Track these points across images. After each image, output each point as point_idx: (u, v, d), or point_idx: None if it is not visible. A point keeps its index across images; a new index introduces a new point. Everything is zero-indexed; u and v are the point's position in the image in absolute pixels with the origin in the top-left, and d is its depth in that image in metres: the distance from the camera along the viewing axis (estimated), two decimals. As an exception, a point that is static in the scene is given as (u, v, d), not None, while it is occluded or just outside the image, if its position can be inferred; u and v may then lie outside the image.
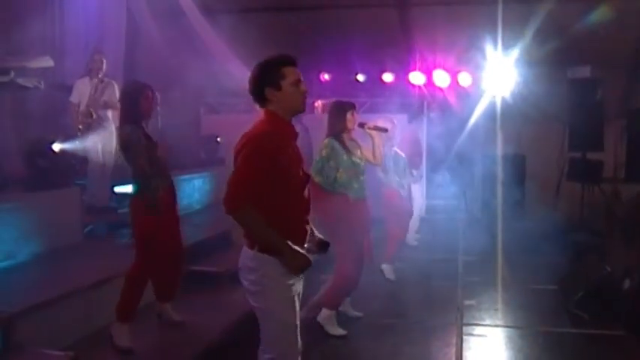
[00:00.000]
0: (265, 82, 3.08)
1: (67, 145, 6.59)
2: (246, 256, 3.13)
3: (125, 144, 4.64)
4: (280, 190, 3.07)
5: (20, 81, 6.19)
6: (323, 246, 3.33)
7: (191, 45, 10.27)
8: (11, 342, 4.01)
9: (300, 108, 3.18)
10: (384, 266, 6.91)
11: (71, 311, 4.59)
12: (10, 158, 6.55)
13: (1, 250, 5.21)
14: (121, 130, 4.76)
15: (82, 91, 7.10)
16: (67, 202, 6.11)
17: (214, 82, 9.63)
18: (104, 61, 7.13)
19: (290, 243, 3.03)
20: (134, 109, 4.67)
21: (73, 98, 7.10)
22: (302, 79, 3.13)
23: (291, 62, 3.12)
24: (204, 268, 6.19)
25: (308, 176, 3.32)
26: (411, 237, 8.47)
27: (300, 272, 3.10)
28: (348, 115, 5.26)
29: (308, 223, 3.27)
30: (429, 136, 10.40)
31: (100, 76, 7.09)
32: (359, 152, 5.37)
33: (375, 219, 6.57)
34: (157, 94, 8.71)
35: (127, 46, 9.03)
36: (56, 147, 6.40)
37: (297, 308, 3.17)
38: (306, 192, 3.26)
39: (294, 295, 3.15)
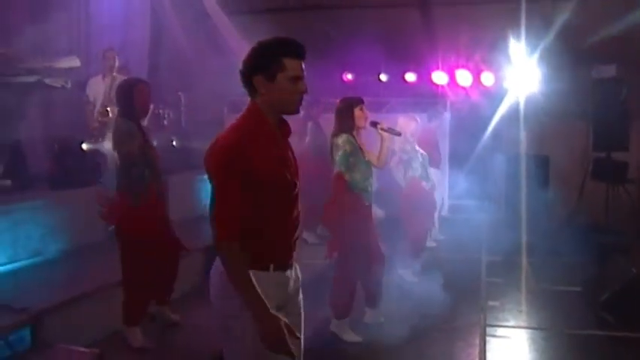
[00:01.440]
0: (257, 67, 2.55)
1: (94, 144, 6.68)
2: (215, 269, 2.63)
3: (116, 136, 4.61)
4: (261, 202, 2.56)
5: (47, 81, 6.30)
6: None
7: (214, 45, 10.34)
8: (39, 338, 4.07)
9: (292, 109, 2.64)
10: (401, 271, 6.85)
11: (97, 308, 4.66)
12: (38, 157, 6.65)
13: (29, 247, 5.30)
14: (115, 124, 4.73)
15: (95, 90, 7.15)
16: (92, 200, 6.18)
17: (237, 81, 9.69)
18: (116, 57, 7.15)
19: (268, 308, 2.45)
20: (129, 103, 4.60)
21: (88, 97, 7.19)
22: (303, 76, 2.59)
23: (298, 54, 2.57)
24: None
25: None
26: (429, 238, 8.40)
27: (271, 346, 2.45)
28: (356, 112, 4.99)
29: (295, 243, 2.74)
30: (451, 136, 10.37)
31: (113, 73, 7.10)
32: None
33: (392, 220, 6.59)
34: (180, 94, 8.84)
35: (151, 46, 9.12)
36: (85, 146, 6.50)
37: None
38: (296, 205, 2.72)
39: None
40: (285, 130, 2.71)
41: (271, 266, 2.61)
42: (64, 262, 5.47)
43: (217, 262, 2.60)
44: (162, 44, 9.93)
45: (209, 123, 10.18)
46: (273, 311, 2.48)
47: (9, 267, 5.10)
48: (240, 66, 2.63)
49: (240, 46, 10.22)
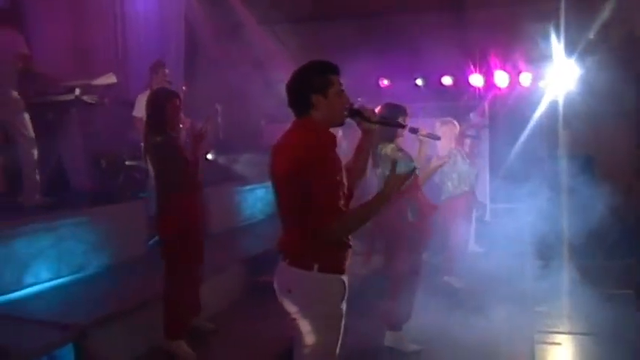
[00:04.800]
0: (312, 88, 2.84)
1: (135, 160, 6.78)
2: (298, 277, 2.94)
3: (158, 154, 4.65)
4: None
5: (85, 98, 6.40)
6: None
7: (250, 56, 10.39)
8: (83, 354, 4.09)
9: (341, 120, 2.94)
10: (447, 278, 6.77)
11: (139, 323, 4.67)
12: (78, 173, 6.75)
13: (72, 262, 5.35)
14: (151, 139, 4.65)
15: (144, 106, 7.20)
16: (133, 215, 6.25)
17: (274, 92, 9.71)
18: (167, 73, 7.20)
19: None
20: (160, 117, 4.61)
21: (136, 112, 7.22)
22: (344, 89, 2.91)
23: (336, 71, 2.91)
24: (268, 278, 6.20)
25: (351, 191, 2.99)
26: (474, 243, 8.29)
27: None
28: (400, 121, 4.80)
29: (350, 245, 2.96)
30: (491, 139, 10.21)
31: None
32: None
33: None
34: (217, 106, 8.79)
35: (187, 60, 9.18)
36: (128, 162, 6.60)
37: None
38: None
39: (342, 325, 2.93)
40: (333, 141, 2.94)
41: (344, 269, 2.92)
42: (106, 277, 5.51)
43: (281, 264, 3.01)
44: (197, 56, 10.01)
45: (247, 135, 10.23)
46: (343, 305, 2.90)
47: (53, 283, 5.14)
48: (284, 88, 2.90)
49: (274, 57, 10.26)
